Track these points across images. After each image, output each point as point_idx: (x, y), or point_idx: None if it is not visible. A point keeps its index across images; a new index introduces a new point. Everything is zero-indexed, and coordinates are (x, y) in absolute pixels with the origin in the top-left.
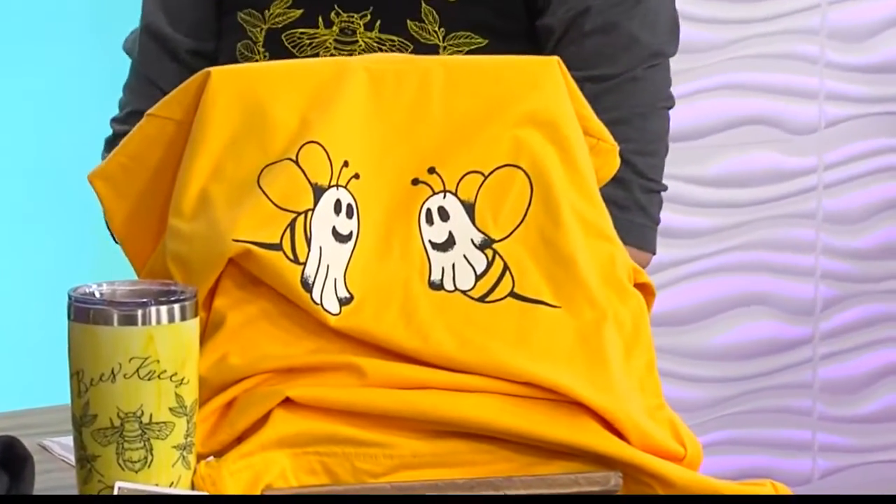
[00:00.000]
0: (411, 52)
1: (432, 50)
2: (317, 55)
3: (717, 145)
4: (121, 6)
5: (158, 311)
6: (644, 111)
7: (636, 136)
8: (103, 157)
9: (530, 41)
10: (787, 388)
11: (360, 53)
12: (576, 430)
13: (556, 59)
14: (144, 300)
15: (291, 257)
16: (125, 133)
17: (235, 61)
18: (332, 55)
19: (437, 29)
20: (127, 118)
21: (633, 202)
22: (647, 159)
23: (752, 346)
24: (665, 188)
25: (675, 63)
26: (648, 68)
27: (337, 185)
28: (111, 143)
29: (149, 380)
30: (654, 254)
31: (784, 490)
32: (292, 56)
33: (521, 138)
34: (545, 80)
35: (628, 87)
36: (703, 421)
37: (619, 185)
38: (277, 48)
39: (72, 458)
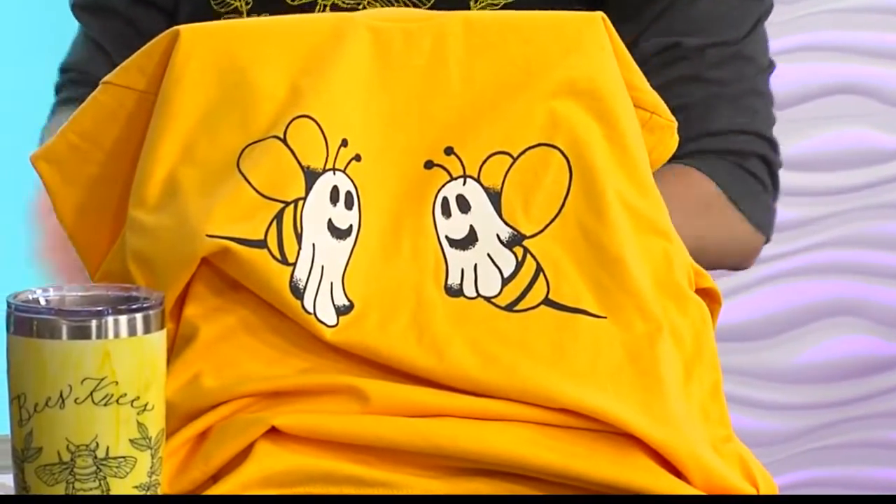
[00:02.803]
0: (430, 8)
1: (459, 4)
2: (314, 4)
3: (797, 119)
4: None
5: (116, 322)
6: (764, 74)
7: (764, 106)
8: (47, 126)
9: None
10: (885, 417)
11: (365, 7)
12: (624, 468)
13: (600, 14)
14: (99, 309)
15: (278, 257)
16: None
17: (206, 17)
18: (330, 10)
19: None
20: (62, 71)
21: (773, 183)
22: (772, 130)
23: (842, 365)
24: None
25: None
26: (758, 23)
27: (334, 169)
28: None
29: (105, 405)
30: (768, 240)
31: None
32: (282, 8)
33: (557, 112)
34: (587, 40)
35: (751, 49)
36: (782, 457)
37: (764, 166)
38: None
39: None
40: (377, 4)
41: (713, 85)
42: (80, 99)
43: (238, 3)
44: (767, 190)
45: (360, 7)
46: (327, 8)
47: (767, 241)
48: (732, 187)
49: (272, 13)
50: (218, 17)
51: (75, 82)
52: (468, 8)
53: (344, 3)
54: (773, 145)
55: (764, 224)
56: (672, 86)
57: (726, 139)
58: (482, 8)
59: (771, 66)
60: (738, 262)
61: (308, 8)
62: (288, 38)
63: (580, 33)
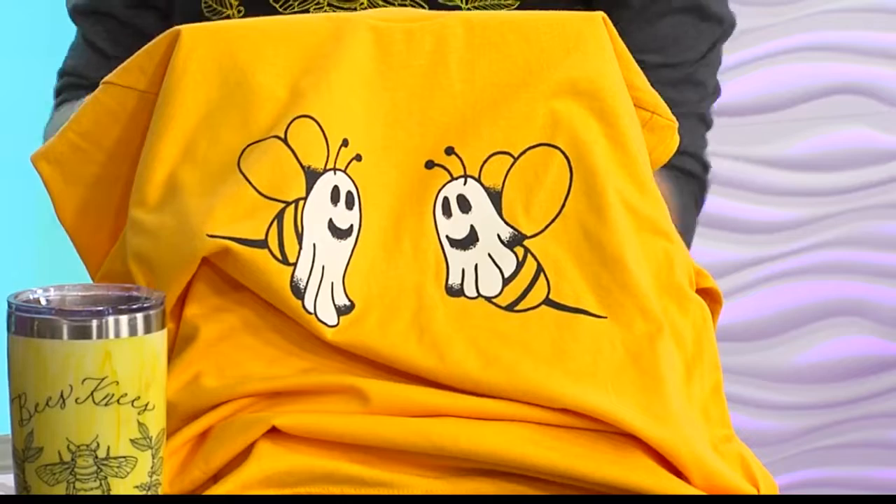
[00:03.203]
0: (427, 8)
1: (452, 6)
2: (306, 12)
3: (798, 119)
4: None
5: (117, 322)
6: (710, 100)
7: (704, 132)
8: (48, 126)
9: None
10: (885, 417)
11: (360, 9)
12: (624, 468)
13: (601, 14)
14: (100, 308)
15: (279, 256)
16: (61, 89)
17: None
18: (325, 12)
19: None
20: (60, 75)
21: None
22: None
23: (842, 365)
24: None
25: (746, 20)
26: (715, 46)
27: (334, 169)
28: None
29: (106, 405)
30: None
31: None
32: (274, 12)
33: (558, 112)
34: (588, 40)
35: (702, 74)
36: (783, 457)
37: (699, 188)
38: (255, 3)
39: None
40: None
41: None
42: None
43: (230, 12)
44: (697, 212)
45: (357, 9)
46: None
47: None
48: (683, 203)
49: None
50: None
51: (75, 86)
52: (461, 8)
53: (338, 4)
54: (706, 169)
55: (688, 245)
56: None
57: (672, 157)
58: (476, 8)
59: (716, 91)
60: None
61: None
62: (289, 38)
63: (581, 33)
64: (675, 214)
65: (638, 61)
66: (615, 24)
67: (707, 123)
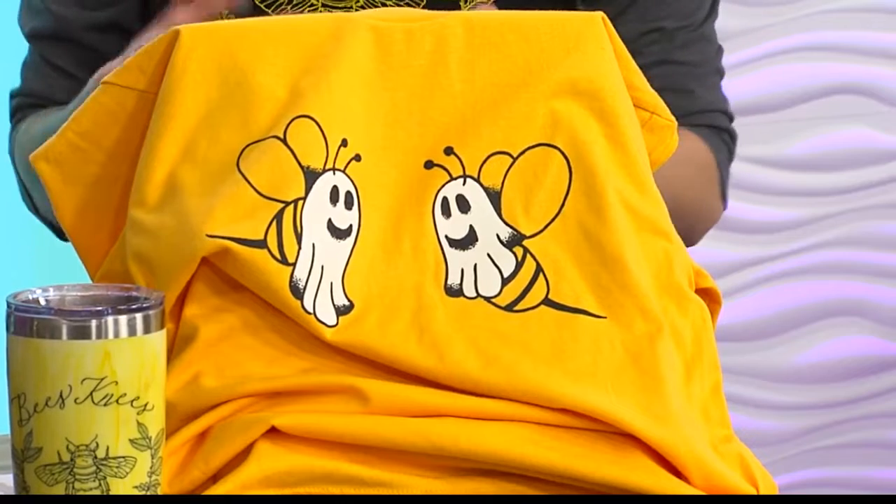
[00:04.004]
0: (424, 7)
1: (450, 6)
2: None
3: (798, 119)
4: None
5: (116, 322)
6: (720, 53)
7: (722, 85)
8: (16, 144)
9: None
10: (885, 417)
11: (355, 10)
12: (624, 468)
13: (600, 14)
14: (99, 308)
15: (278, 256)
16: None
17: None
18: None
19: None
20: (16, 95)
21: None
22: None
23: (842, 365)
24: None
25: (744, 20)
26: (715, 2)
27: (334, 169)
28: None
29: (105, 405)
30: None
31: None
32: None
33: (557, 111)
34: (587, 40)
35: (709, 30)
36: (782, 457)
37: (732, 141)
38: (246, 7)
39: None
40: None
41: (684, 66)
42: None
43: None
44: (731, 162)
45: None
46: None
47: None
48: (721, 159)
49: None
50: None
51: (33, 107)
52: (459, 7)
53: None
54: (731, 119)
55: (726, 196)
56: (647, 69)
57: (704, 116)
58: (473, 7)
59: (720, 47)
60: (702, 229)
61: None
62: (289, 38)
63: (580, 33)
64: (714, 170)
65: (658, 29)
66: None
67: (722, 75)
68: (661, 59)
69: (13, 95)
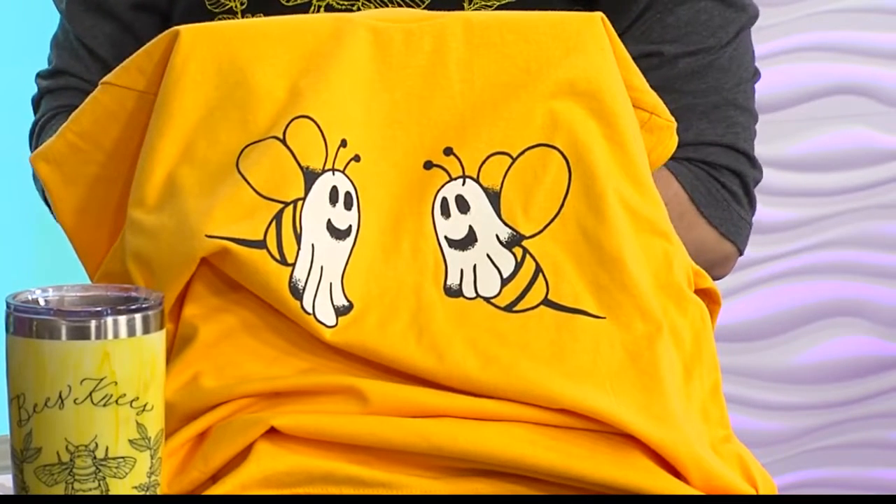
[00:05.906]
0: (426, 8)
1: (453, 5)
2: (309, 5)
3: (798, 119)
4: None
5: (116, 323)
6: (745, 86)
7: (743, 120)
8: (34, 126)
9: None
10: (885, 417)
11: (359, 8)
12: (623, 468)
13: (600, 14)
14: (99, 309)
15: (278, 257)
16: (53, 90)
17: (200, 17)
18: (324, 10)
19: None
20: (53, 75)
21: (746, 196)
22: (753, 143)
23: (842, 365)
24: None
25: None
26: (741, 32)
27: (333, 170)
28: (37, 103)
29: (104, 406)
30: (741, 252)
31: None
32: (277, 8)
33: (557, 112)
34: (587, 40)
35: (729, 60)
36: (782, 458)
37: (736, 178)
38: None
39: None
40: (371, 5)
41: (686, 96)
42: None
43: (233, 4)
44: (740, 202)
45: (355, 8)
46: (322, 9)
47: (741, 253)
48: (699, 195)
49: (267, 14)
50: (212, 16)
51: (70, 88)
52: (462, 8)
53: (338, 3)
54: (749, 159)
55: (733, 234)
56: None
57: (696, 150)
58: (477, 8)
59: (755, 75)
60: (706, 270)
61: (303, 9)
62: (288, 39)
63: (580, 33)
64: (694, 216)
65: (655, 53)
66: (627, 17)
67: (744, 110)
68: (661, 86)
69: (46, 75)
